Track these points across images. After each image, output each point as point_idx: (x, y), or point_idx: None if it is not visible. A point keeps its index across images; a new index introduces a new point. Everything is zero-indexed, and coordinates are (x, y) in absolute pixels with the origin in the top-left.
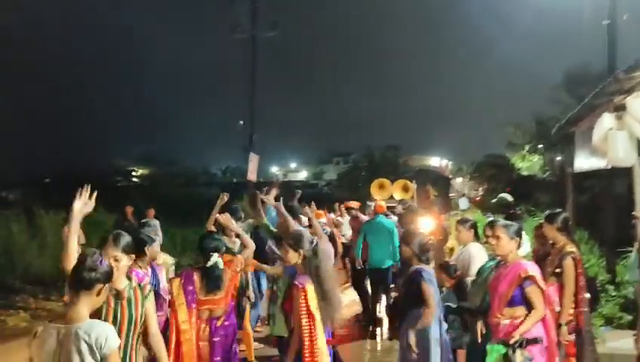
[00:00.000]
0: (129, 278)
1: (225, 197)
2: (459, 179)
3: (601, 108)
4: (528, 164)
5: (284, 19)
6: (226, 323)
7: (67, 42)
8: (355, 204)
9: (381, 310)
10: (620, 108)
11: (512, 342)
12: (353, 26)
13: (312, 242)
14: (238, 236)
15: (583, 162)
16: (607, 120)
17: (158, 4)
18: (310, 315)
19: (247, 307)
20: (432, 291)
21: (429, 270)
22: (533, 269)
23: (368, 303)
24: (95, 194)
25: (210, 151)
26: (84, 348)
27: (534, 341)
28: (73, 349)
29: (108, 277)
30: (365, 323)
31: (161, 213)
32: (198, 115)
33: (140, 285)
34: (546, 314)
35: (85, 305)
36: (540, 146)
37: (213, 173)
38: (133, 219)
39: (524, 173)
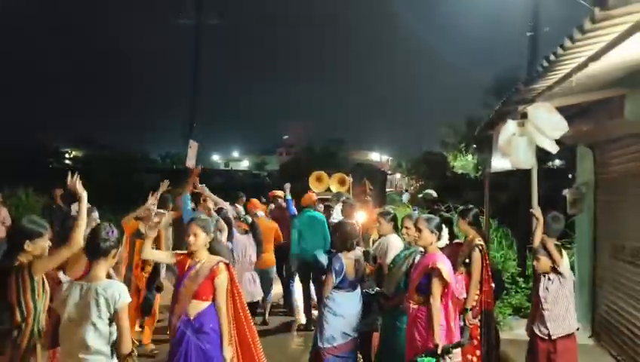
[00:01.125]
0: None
1: (165, 185)
2: (397, 175)
3: (511, 115)
4: (463, 162)
5: (231, 7)
6: None
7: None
8: (280, 193)
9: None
10: (524, 116)
11: (439, 352)
12: (301, 20)
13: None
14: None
15: (497, 163)
16: (511, 126)
17: None
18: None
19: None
20: (330, 276)
21: (342, 257)
22: (442, 262)
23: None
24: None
25: (151, 137)
26: (102, 301)
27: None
28: (93, 302)
29: (118, 243)
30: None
31: (95, 198)
32: (140, 99)
33: None
34: (448, 301)
35: (103, 267)
36: (474, 146)
37: (152, 158)
38: (62, 203)
39: (459, 171)
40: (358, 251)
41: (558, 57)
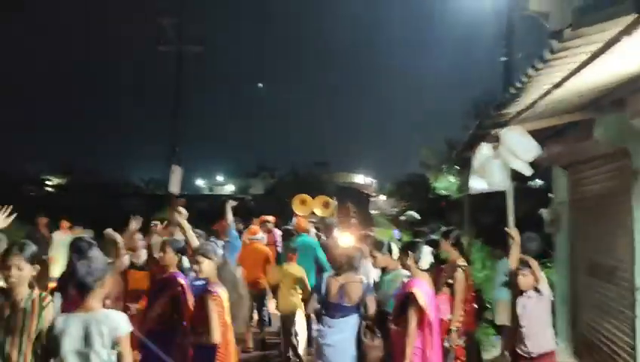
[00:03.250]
0: (31, 287)
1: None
2: (381, 197)
3: (486, 138)
4: (445, 184)
5: (213, 33)
6: None
7: None
8: (270, 218)
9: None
10: (497, 139)
11: None
12: (284, 44)
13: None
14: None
15: (475, 184)
16: (485, 149)
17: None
18: (224, 323)
19: None
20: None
21: (326, 279)
22: (419, 288)
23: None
24: (13, 214)
25: (133, 162)
26: (105, 330)
27: None
28: (95, 332)
29: (105, 271)
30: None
31: (78, 225)
32: (122, 126)
33: (40, 295)
34: (424, 327)
35: (97, 298)
36: (456, 167)
37: (136, 184)
38: (46, 231)
39: (442, 192)
40: (353, 277)
41: (524, 84)
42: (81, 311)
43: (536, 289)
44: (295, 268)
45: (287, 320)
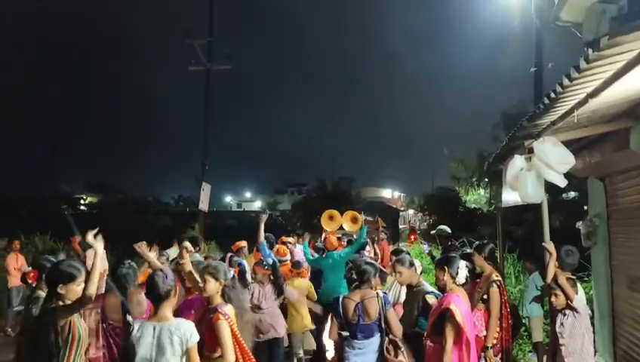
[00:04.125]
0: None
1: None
2: (410, 211)
3: (518, 151)
4: (475, 197)
5: (241, 52)
6: None
7: (14, 61)
8: (291, 240)
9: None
10: (531, 151)
11: None
12: (310, 60)
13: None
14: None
15: (508, 197)
16: (518, 161)
17: (114, 30)
18: (238, 342)
19: None
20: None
21: (341, 298)
22: (457, 304)
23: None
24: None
25: (163, 180)
26: (176, 340)
27: None
28: (167, 341)
29: (174, 284)
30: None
31: (110, 242)
32: (151, 144)
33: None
34: (462, 344)
35: (169, 308)
36: (486, 180)
37: (165, 201)
38: (79, 249)
39: (472, 206)
40: (369, 293)
41: (558, 95)
42: (154, 319)
43: (571, 307)
44: (302, 283)
45: (295, 339)
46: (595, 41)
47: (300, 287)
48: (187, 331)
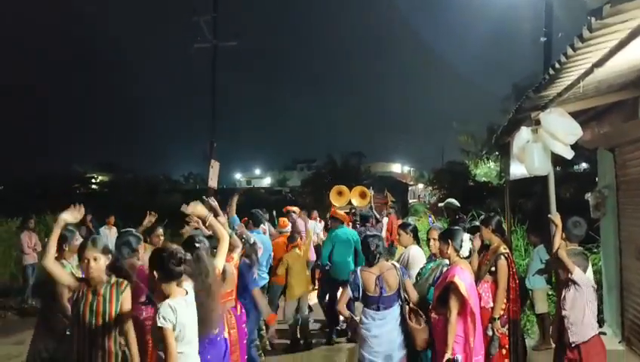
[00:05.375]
0: (109, 276)
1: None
2: (420, 186)
3: (525, 122)
4: (485, 170)
5: (248, 28)
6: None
7: (21, 45)
8: (295, 209)
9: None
10: (537, 123)
11: None
12: (317, 36)
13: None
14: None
15: (516, 170)
16: (524, 133)
17: (121, 11)
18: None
19: None
20: (344, 293)
21: (359, 272)
22: (461, 276)
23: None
24: (82, 209)
25: (172, 158)
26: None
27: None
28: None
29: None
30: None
31: (122, 220)
32: (160, 122)
33: (117, 281)
34: (467, 316)
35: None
36: (496, 153)
37: (175, 179)
38: (91, 227)
39: (481, 179)
40: (386, 265)
41: (562, 65)
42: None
43: (572, 280)
44: (297, 256)
45: (302, 301)
46: (597, 9)
47: (297, 260)
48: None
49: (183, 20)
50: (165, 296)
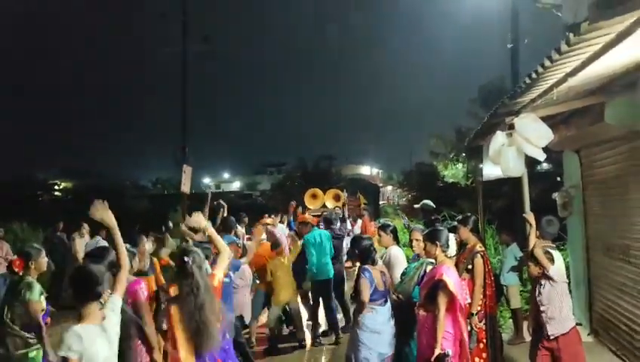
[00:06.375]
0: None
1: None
2: (389, 187)
3: (499, 127)
4: (453, 171)
5: (217, 32)
6: None
7: None
8: (269, 221)
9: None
10: (511, 127)
11: (433, 359)
12: (287, 39)
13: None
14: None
15: (489, 171)
16: (499, 137)
17: (89, 13)
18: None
19: None
20: (365, 285)
21: (370, 269)
22: (449, 274)
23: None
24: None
25: (140, 163)
26: None
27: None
28: None
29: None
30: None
31: (91, 227)
32: (126, 127)
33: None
34: (456, 312)
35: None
36: (463, 155)
37: (142, 185)
38: (63, 235)
39: (450, 180)
40: (380, 265)
41: (539, 75)
42: None
43: (547, 276)
44: (281, 263)
45: (272, 312)
46: (575, 25)
47: (280, 267)
48: None
49: (154, 24)
50: (81, 318)
